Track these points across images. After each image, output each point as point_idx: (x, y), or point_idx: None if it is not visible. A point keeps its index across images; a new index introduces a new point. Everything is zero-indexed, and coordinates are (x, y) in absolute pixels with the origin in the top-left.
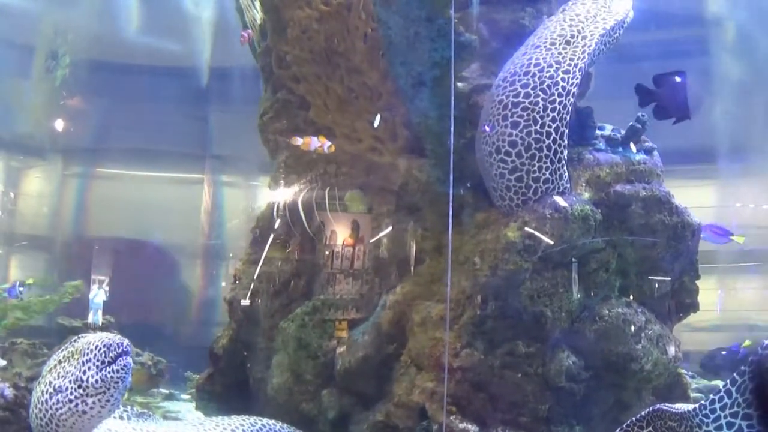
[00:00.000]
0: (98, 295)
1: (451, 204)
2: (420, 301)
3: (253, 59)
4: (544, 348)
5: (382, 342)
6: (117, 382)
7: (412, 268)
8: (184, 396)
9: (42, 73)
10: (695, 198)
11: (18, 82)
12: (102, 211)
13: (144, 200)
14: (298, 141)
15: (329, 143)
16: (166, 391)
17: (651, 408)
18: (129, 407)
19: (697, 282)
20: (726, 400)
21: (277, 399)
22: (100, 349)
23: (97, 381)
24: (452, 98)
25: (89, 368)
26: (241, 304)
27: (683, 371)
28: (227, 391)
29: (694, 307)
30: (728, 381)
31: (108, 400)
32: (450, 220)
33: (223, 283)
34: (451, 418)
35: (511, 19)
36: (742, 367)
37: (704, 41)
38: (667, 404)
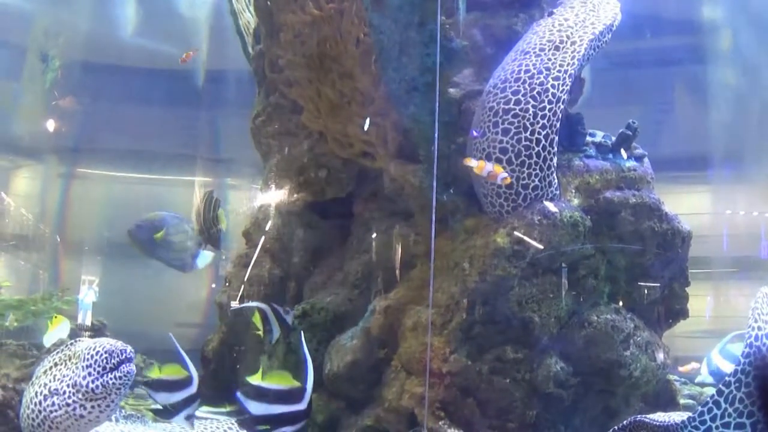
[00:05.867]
0: (88, 295)
1: (434, 209)
2: (411, 306)
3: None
4: (532, 354)
5: (372, 347)
6: (119, 389)
7: (398, 273)
8: None
9: (32, 74)
10: (688, 205)
11: (8, 83)
12: (93, 212)
13: (135, 202)
14: (473, 163)
15: (505, 175)
16: None
17: (632, 418)
18: (118, 409)
19: (687, 289)
20: (715, 410)
21: None
22: (102, 355)
23: (97, 386)
24: (437, 104)
25: (90, 373)
26: (231, 306)
27: (673, 378)
28: (217, 394)
29: (683, 313)
30: (715, 391)
31: (108, 406)
32: (433, 225)
33: (213, 285)
34: (439, 423)
35: (504, 24)
36: (727, 378)
37: (699, 48)
38: (648, 416)
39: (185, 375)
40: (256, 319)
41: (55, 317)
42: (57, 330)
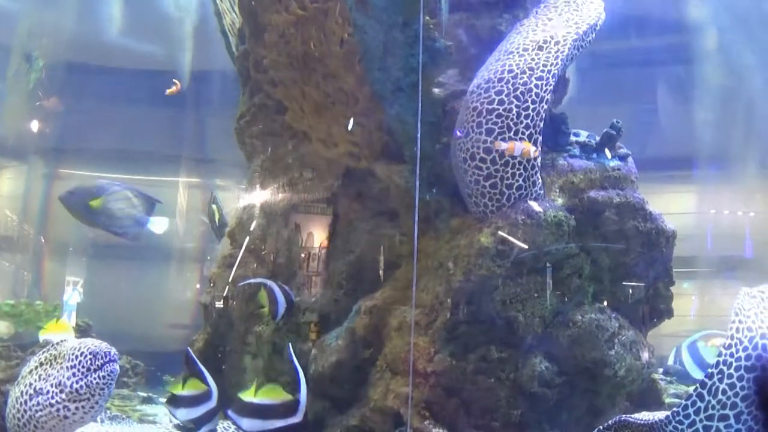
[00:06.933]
0: (72, 296)
1: (416, 209)
2: (397, 306)
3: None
4: (516, 353)
5: (357, 347)
6: (102, 389)
7: (381, 273)
8: (162, 399)
9: (16, 75)
10: (673, 204)
11: None
12: None
13: None
14: (503, 146)
15: (535, 148)
16: (144, 395)
17: (617, 418)
18: (103, 410)
19: (672, 288)
20: (699, 403)
21: None
22: (86, 356)
23: (81, 387)
24: (420, 104)
25: (74, 374)
26: (216, 307)
27: (658, 377)
28: None
29: (668, 313)
30: (698, 385)
31: (92, 407)
32: (416, 225)
33: (197, 286)
34: (424, 422)
35: (489, 25)
36: (710, 370)
37: (685, 48)
38: (632, 415)
39: (204, 389)
40: (262, 296)
41: (60, 321)
42: (58, 336)
